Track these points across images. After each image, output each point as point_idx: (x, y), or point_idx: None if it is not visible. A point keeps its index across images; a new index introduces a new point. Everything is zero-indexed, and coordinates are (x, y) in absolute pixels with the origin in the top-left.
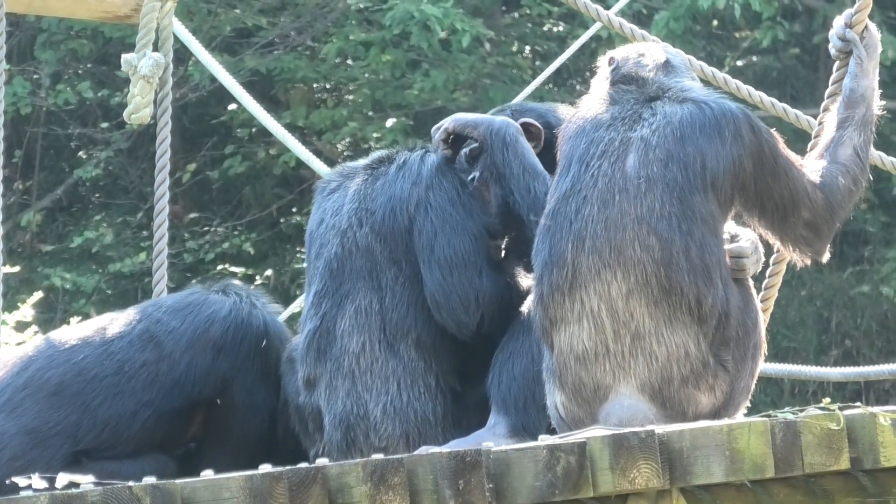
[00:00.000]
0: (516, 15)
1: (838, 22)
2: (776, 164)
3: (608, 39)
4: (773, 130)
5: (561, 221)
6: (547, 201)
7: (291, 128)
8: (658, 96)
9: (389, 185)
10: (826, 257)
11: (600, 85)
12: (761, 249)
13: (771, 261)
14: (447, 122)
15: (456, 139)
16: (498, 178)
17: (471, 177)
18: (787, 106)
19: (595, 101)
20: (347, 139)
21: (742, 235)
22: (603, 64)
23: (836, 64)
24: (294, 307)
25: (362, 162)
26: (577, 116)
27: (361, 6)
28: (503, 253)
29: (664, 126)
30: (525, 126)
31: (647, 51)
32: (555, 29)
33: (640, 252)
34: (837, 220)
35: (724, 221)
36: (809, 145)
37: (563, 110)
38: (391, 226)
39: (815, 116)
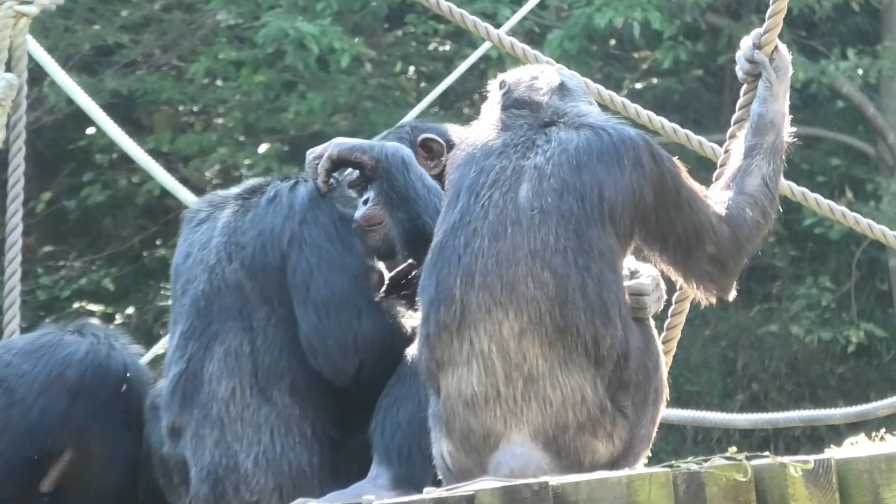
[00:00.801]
0: (399, 33)
1: (746, 42)
2: (679, 195)
3: (498, 60)
4: (675, 159)
5: (449, 255)
6: (434, 234)
7: (156, 154)
8: (553, 122)
9: (260, 219)
10: (732, 295)
11: (491, 110)
12: (663, 286)
13: (673, 299)
14: (330, 149)
15: (338, 167)
16: (401, 203)
17: (364, 198)
18: (689, 132)
19: (486, 126)
20: (217, 166)
21: (642, 271)
22: (494, 87)
23: (744, 87)
24: (158, 348)
25: (234, 190)
26: (467, 143)
27: (232, 23)
28: (385, 283)
29: (559, 154)
30: (426, 143)
31: (541, 73)
32: (441, 48)
33: (533, 289)
34: (745, 255)
35: (624, 256)
36: (715, 175)
37: (458, 132)
38: (262, 262)
39: (720, 143)
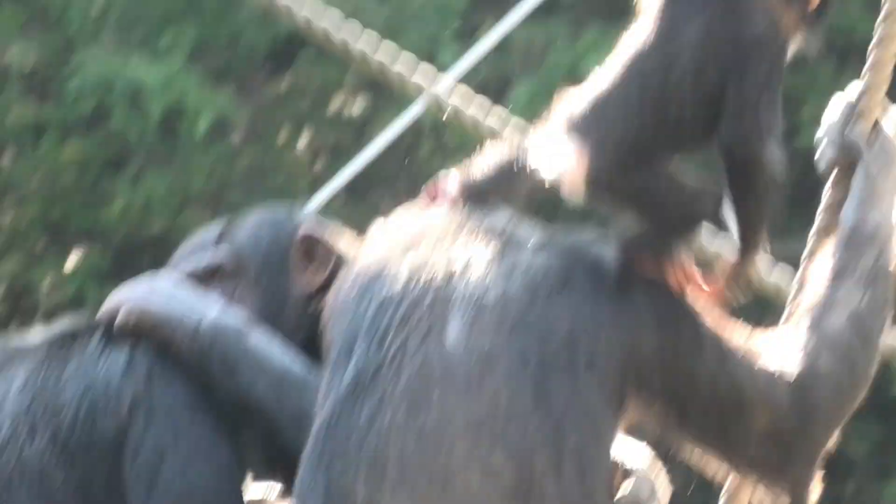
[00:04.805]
0: (286, 83)
1: (832, 113)
2: (698, 339)
3: (435, 128)
4: (692, 287)
5: (343, 439)
6: (316, 410)
7: None
8: (493, 232)
9: (87, 370)
10: (813, 496)
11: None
12: (662, 480)
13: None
14: (124, 313)
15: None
16: (245, 416)
17: None
18: None
19: (384, 240)
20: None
21: (630, 460)
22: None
23: (830, 182)
24: None
25: (39, 335)
26: (356, 269)
27: (26, 72)
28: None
29: (504, 275)
30: (307, 242)
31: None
32: (349, 110)
33: (479, 480)
34: (822, 430)
35: (616, 427)
36: (784, 315)
37: (349, 244)
38: (87, 437)
39: (792, 263)
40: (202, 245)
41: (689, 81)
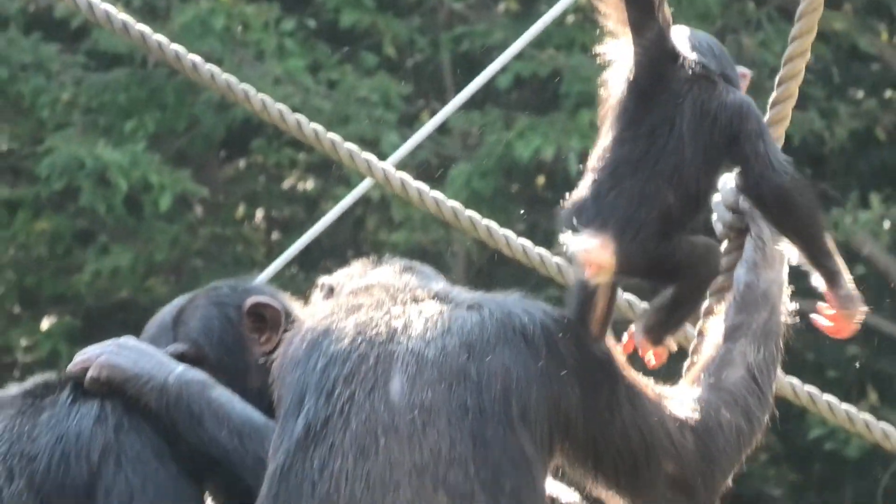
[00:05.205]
0: (242, 164)
1: (726, 184)
2: (614, 392)
3: (382, 204)
4: (609, 344)
5: (297, 484)
6: (270, 456)
7: None
8: (432, 297)
9: (59, 421)
10: None
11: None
12: None
13: None
14: (96, 370)
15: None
16: (208, 464)
17: None
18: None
19: (330, 304)
20: None
21: (564, 497)
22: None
23: (725, 246)
24: None
25: (14, 389)
26: (304, 329)
27: (3, 148)
28: None
29: (443, 334)
30: (257, 309)
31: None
32: (302, 186)
33: None
34: (721, 476)
35: (546, 471)
36: (685, 367)
37: (296, 308)
38: (61, 481)
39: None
40: (160, 331)
41: (701, 154)
